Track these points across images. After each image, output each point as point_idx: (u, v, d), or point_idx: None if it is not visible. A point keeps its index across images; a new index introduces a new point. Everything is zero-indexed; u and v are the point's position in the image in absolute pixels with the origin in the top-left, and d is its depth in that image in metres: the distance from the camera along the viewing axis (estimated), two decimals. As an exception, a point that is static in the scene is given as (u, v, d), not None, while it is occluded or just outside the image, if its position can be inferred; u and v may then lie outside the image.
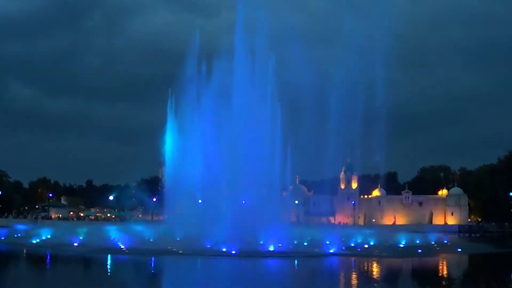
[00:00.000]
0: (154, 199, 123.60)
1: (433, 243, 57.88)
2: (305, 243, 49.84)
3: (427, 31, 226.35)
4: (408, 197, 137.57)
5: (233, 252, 42.15)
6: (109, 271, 34.79)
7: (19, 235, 58.93)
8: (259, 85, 59.50)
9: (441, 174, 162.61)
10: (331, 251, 44.93)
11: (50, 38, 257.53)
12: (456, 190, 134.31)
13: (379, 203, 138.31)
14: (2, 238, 57.44)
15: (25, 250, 46.27)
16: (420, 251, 49.72)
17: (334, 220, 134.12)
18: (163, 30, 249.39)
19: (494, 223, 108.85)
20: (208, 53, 65.02)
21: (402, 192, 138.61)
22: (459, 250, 53.12)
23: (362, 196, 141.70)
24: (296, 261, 40.17)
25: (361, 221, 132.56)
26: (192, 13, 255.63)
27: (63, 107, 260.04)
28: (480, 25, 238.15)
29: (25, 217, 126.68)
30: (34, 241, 52.44)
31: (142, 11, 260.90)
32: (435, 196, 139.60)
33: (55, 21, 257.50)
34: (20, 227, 66.30)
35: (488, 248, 56.99)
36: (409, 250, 50.56)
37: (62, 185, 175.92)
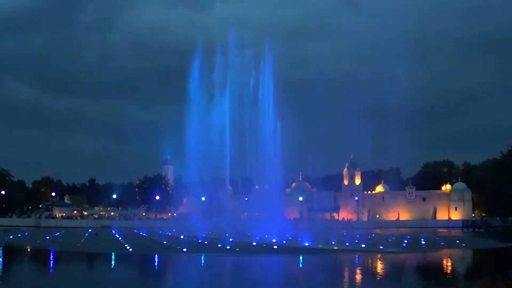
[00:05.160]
0: (158, 197, 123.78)
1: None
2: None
3: (425, 25, 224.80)
4: (412, 193, 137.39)
5: (237, 249, 42.27)
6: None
7: None
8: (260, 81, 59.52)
9: (445, 169, 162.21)
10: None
11: (44, 34, 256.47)
12: (460, 185, 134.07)
13: (383, 199, 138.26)
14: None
15: None
16: (424, 245, 49.64)
17: (338, 216, 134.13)
18: (158, 25, 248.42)
19: (498, 218, 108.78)
20: (205, 48, 64.82)
21: (406, 187, 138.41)
22: (464, 245, 53.05)
23: (365, 192, 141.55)
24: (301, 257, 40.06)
25: (364, 217, 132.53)
26: (185, 7, 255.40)
27: (63, 104, 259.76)
28: (478, 18, 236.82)
29: (28, 217, 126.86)
30: None
31: (135, 5, 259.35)
32: (439, 191, 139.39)
33: (48, 17, 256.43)
34: None
35: (492, 242, 56.89)
36: (413, 244, 50.50)
37: (65, 184, 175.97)
